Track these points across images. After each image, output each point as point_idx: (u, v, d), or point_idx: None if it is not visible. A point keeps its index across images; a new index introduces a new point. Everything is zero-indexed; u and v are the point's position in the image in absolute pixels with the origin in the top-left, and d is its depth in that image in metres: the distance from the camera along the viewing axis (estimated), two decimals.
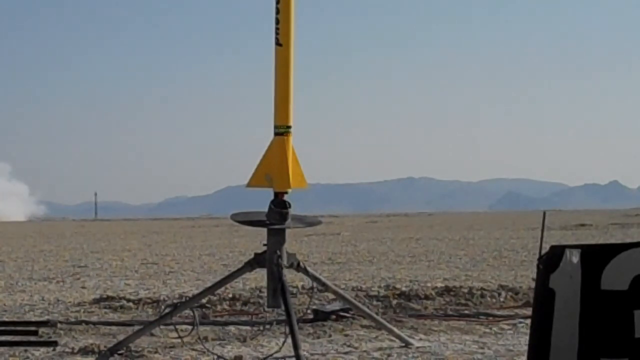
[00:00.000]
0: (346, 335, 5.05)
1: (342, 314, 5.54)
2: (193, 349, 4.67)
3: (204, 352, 4.57)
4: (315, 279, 4.88)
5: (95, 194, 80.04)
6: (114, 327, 5.48)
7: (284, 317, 4.68)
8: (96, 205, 79.41)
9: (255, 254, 4.65)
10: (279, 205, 4.55)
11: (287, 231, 4.62)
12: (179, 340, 4.80)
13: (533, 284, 3.97)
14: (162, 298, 6.95)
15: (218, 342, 4.81)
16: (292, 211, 4.60)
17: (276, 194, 4.60)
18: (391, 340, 4.83)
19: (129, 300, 6.78)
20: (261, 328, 5.16)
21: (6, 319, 5.89)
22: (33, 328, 4.83)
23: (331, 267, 10.61)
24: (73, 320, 5.82)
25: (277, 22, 4.59)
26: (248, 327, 5.30)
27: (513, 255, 12.31)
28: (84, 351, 4.66)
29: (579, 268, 2.86)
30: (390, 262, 11.42)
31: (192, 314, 5.22)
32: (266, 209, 4.64)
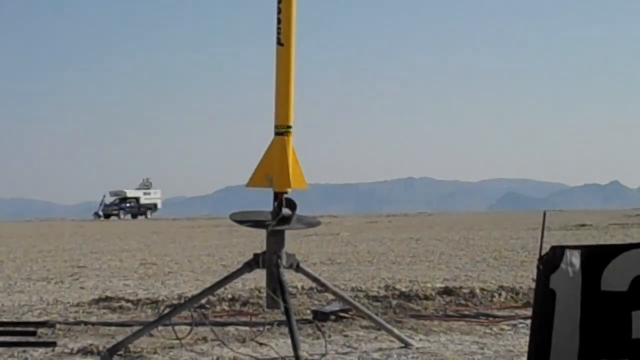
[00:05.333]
0: (346, 336, 5.04)
1: (341, 314, 5.53)
2: (192, 350, 4.66)
3: (203, 353, 4.56)
4: (314, 279, 4.88)
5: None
6: (113, 328, 5.47)
7: (283, 318, 4.67)
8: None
9: (255, 255, 4.64)
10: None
11: (287, 232, 4.62)
12: (178, 341, 4.79)
13: (533, 285, 3.96)
14: (161, 299, 6.94)
15: (217, 343, 4.80)
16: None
17: (276, 194, 4.60)
18: (391, 341, 4.82)
19: (128, 301, 6.77)
20: (260, 329, 5.15)
21: (5, 320, 5.88)
22: (32, 328, 4.82)
23: (331, 268, 10.60)
24: (72, 320, 5.81)
25: (279, 21, 4.59)
26: (247, 328, 5.28)
27: (513, 255, 12.30)
28: (83, 352, 4.65)
29: (579, 269, 2.85)
30: (390, 262, 11.40)
31: (191, 314, 5.21)
32: (265, 209, 4.64)
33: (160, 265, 11.68)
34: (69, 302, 7.05)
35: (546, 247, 2.90)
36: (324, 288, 5.12)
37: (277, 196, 4.59)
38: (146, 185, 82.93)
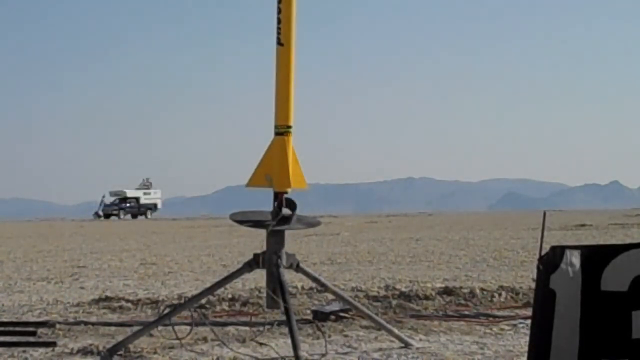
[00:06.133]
0: (346, 336, 5.04)
1: (341, 314, 5.53)
2: (192, 350, 4.66)
3: (203, 353, 4.56)
4: (314, 279, 4.87)
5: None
6: (112, 328, 5.47)
7: (283, 318, 4.67)
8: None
9: (255, 255, 4.64)
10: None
11: (287, 232, 4.62)
12: (178, 341, 4.79)
13: (533, 285, 3.96)
14: (161, 299, 6.94)
15: (217, 343, 4.80)
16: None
17: (276, 194, 4.60)
18: (391, 341, 4.82)
19: (127, 301, 6.77)
20: (260, 329, 5.15)
21: (5, 320, 5.88)
22: (32, 328, 4.83)
23: (331, 268, 10.60)
24: (72, 320, 5.81)
25: (279, 21, 4.59)
26: (247, 328, 5.28)
27: (513, 255, 12.30)
28: (83, 352, 4.65)
29: (579, 269, 2.85)
30: (390, 262, 11.40)
31: (191, 314, 5.21)
32: (265, 209, 4.64)
33: (160, 265, 11.68)
34: (69, 302, 7.05)
35: (546, 247, 2.90)
36: (324, 288, 5.12)
37: (277, 196, 4.59)
38: (146, 185, 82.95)
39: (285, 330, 4.84)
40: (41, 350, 4.65)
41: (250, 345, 4.80)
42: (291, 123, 4.63)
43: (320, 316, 5.47)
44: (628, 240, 12.59)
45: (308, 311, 5.80)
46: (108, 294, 7.40)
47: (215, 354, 4.54)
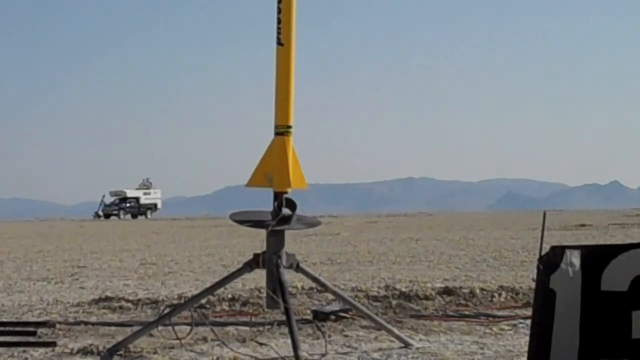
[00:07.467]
0: (346, 336, 5.04)
1: (341, 314, 5.53)
2: (192, 350, 4.66)
3: (203, 353, 4.57)
4: (314, 279, 4.88)
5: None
6: (112, 328, 5.47)
7: (283, 318, 4.67)
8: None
9: (255, 255, 4.64)
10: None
11: (287, 231, 4.62)
12: (178, 341, 4.79)
13: (533, 285, 3.96)
14: (161, 299, 6.94)
15: (217, 343, 4.80)
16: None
17: (276, 194, 4.60)
18: (391, 341, 4.82)
19: (127, 301, 6.77)
20: (260, 329, 5.15)
21: (5, 320, 5.88)
22: (32, 328, 4.83)
23: (331, 268, 10.60)
24: (72, 320, 5.81)
25: (279, 21, 4.59)
26: (247, 328, 5.28)
27: (513, 255, 12.30)
28: (83, 352, 4.65)
29: (579, 269, 2.85)
30: (390, 262, 11.40)
31: (191, 314, 5.22)
32: (265, 209, 4.64)
33: (160, 265, 11.67)
34: (69, 302, 7.05)
35: (546, 247, 2.90)
36: (324, 288, 5.12)
37: (277, 196, 4.59)
38: (146, 185, 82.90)
39: (285, 330, 4.84)
40: (41, 350, 4.65)
41: (250, 345, 4.80)
42: (291, 123, 4.63)
43: (320, 316, 5.48)
44: (628, 240, 12.58)
45: (308, 311, 5.80)
46: (108, 294, 7.41)
47: (215, 354, 4.54)
